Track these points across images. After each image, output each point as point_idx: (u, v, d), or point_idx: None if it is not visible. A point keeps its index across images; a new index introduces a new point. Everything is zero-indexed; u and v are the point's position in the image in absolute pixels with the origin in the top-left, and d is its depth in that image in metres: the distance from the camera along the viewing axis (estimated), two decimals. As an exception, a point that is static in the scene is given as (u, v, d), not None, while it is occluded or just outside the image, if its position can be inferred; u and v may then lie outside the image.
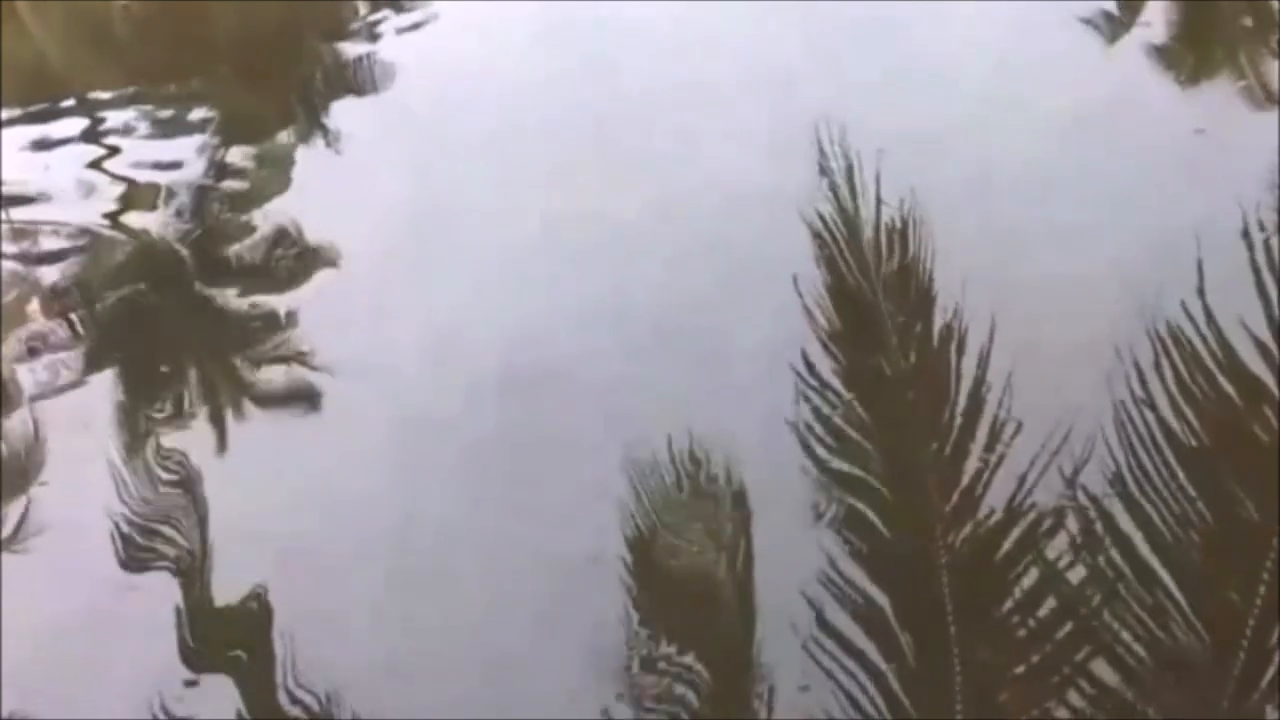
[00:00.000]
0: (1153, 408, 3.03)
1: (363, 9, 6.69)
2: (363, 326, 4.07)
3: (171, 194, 5.05)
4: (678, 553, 3.05)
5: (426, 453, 3.44)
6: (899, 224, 3.70)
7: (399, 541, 3.21)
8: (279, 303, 4.33)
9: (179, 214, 4.96)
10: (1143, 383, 3.07)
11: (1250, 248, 3.28)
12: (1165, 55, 4.20)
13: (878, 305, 3.54)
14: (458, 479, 3.35)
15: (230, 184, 5.25)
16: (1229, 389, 3.05)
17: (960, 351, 3.29)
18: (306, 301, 4.31)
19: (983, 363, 3.24)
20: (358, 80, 5.86)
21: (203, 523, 3.35)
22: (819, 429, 3.22)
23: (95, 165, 5.36)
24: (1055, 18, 4.44)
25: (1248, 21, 4.34)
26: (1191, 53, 4.22)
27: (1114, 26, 4.45)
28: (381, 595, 3.08)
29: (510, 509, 3.29)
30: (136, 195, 5.14)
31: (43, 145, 5.42)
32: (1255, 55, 4.07)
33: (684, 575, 3.01)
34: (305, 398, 3.80)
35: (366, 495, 3.33)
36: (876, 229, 3.71)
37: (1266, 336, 3.10)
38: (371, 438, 3.52)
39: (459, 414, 3.54)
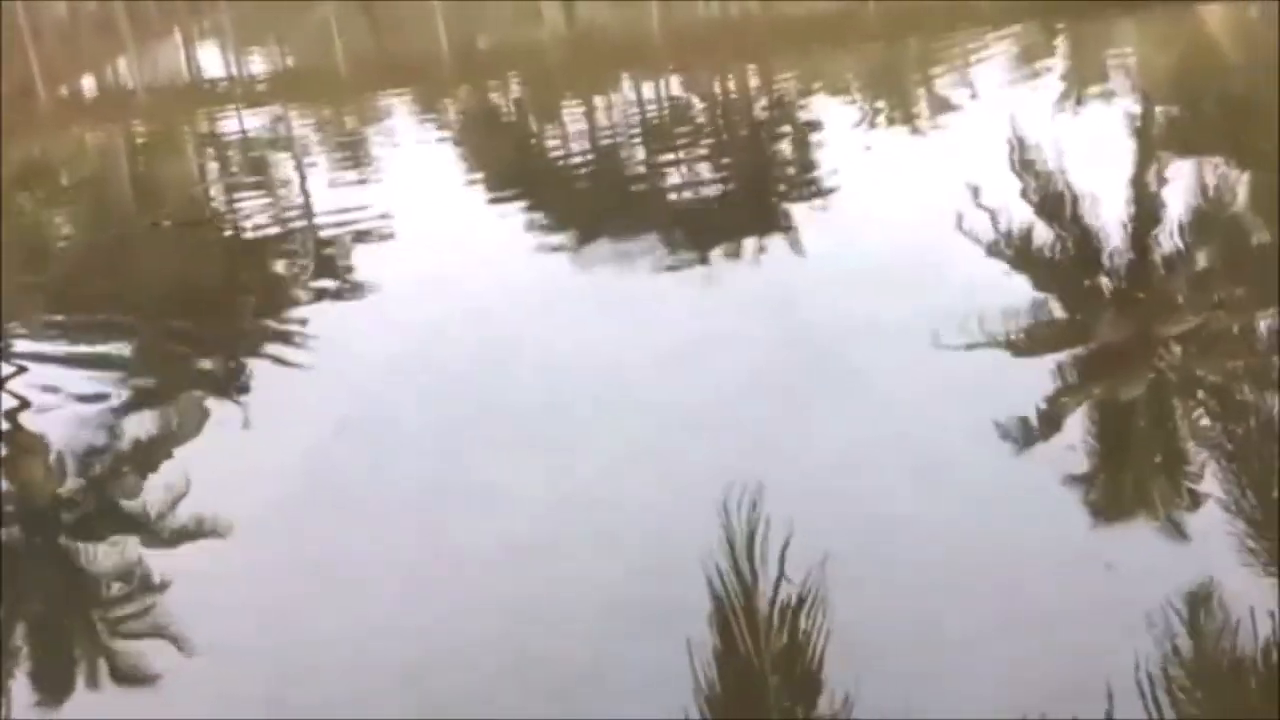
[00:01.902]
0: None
1: (304, 295, 6.84)
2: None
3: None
4: None
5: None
6: (794, 601, 3.64)
7: None
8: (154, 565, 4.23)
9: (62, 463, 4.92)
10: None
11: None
12: (1083, 481, 4.27)
13: (765, 680, 3.45)
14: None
15: (130, 438, 5.20)
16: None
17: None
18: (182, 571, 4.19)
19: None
20: (279, 352, 5.89)
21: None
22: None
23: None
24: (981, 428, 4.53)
25: (1158, 459, 4.45)
26: (1108, 483, 4.30)
27: (1030, 437, 4.54)
28: None
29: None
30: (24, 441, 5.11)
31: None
32: (1167, 496, 4.17)
33: None
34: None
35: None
36: (772, 602, 3.65)
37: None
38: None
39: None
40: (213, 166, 12.57)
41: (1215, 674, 3.35)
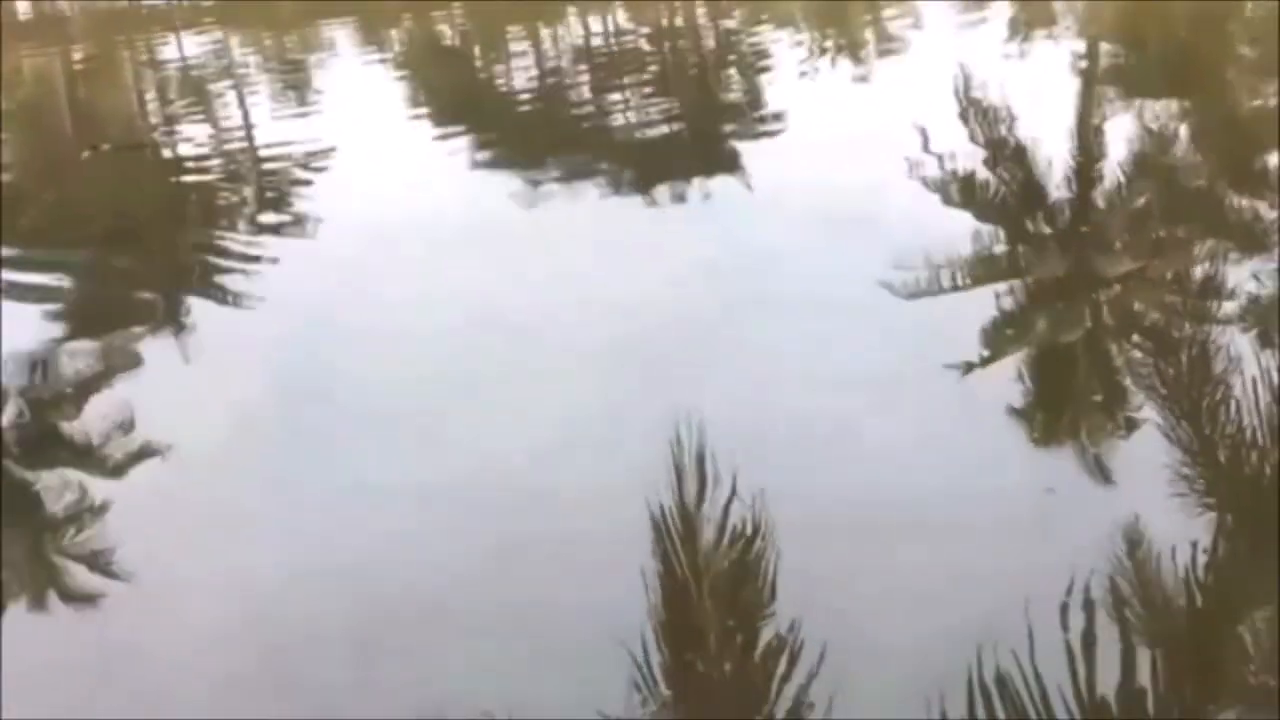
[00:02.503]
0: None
1: (244, 228, 6.79)
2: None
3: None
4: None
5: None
6: (743, 529, 3.68)
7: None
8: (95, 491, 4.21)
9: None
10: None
11: (1065, 626, 3.32)
12: (1022, 415, 4.34)
13: (704, 607, 3.49)
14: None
15: (72, 362, 5.16)
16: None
17: (789, 666, 3.24)
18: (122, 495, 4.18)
19: (807, 684, 3.19)
20: (223, 288, 5.85)
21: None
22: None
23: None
24: (925, 364, 4.58)
25: (1097, 398, 4.53)
26: (1043, 415, 4.38)
27: (972, 368, 4.60)
28: None
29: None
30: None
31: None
32: (1096, 431, 4.25)
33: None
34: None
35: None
36: (721, 529, 3.69)
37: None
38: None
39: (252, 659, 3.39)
40: (152, 93, 12.39)
41: (1147, 592, 3.45)
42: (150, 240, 6.79)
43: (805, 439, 4.18)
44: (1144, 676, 3.20)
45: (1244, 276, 5.06)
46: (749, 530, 3.68)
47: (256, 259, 6.12)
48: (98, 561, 3.86)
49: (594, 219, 5.98)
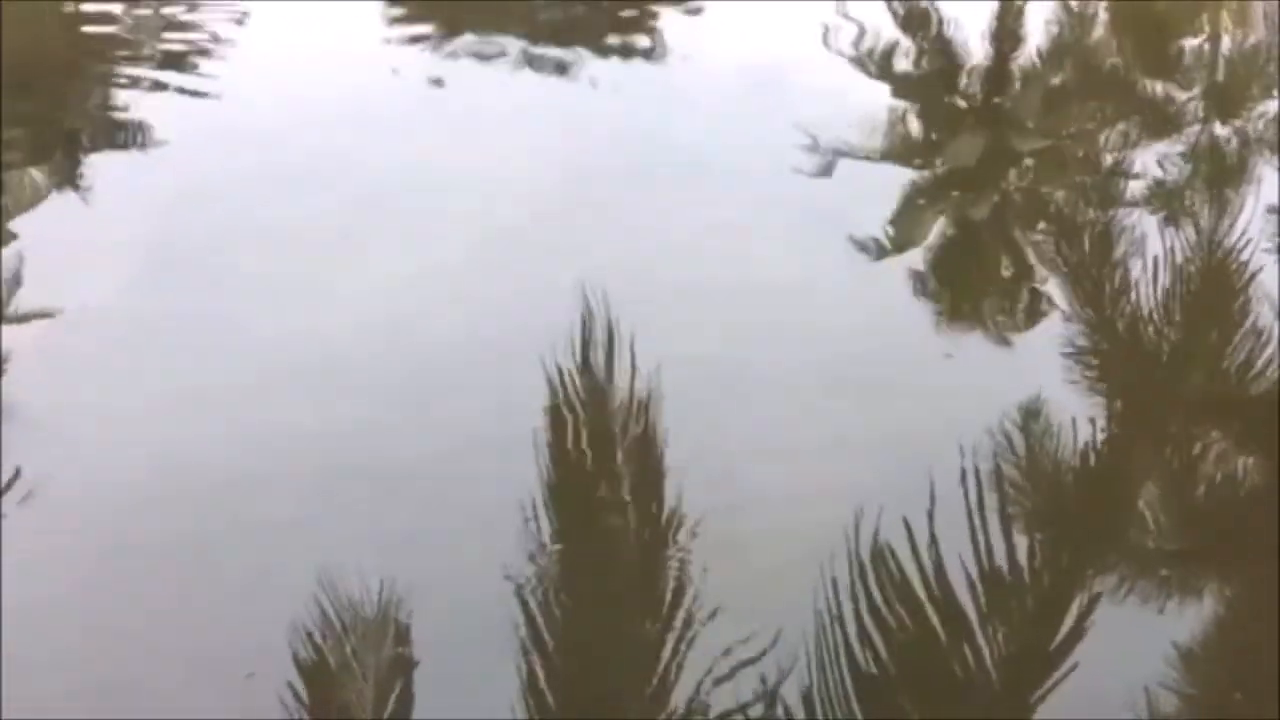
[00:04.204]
0: (844, 628, 3.03)
1: (145, 82, 6.57)
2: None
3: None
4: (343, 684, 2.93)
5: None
6: (642, 398, 3.68)
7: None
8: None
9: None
10: (837, 602, 3.08)
11: (965, 489, 3.37)
12: (925, 288, 4.37)
13: (602, 472, 3.50)
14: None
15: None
16: (926, 619, 3.07)
17: (678, 538, 3.26)
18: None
19: (698, 555, 3.21)
20: (123, 133, 5.69)
21: None
22: (536, 588, 3.14)
23: None
24: (831, 236, 4.57)
25: (1007, 271, 4.56)
26: (948, 289, 4.41)
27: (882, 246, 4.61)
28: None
29: (181, 615, 3.11)
30: None
31: None
32: (1000, 309, 4.30)
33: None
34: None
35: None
36: (618, 397, 3.68)
37: (974, 573, 3.16)
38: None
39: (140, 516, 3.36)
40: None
41: (1040, 465, 3.52)
42: (47, 92, 6.56)
43: (706, 308, 4.18)
44: (1033, 547, 3.27)
45: (1151, 159, 5.10)
46: (648, 398, 3.68)
47: (155, 116, 5.95)
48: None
49: (503, 89, 5.87)
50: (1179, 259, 4.41)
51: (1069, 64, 6.23)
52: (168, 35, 7.59)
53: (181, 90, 6.52)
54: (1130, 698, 2.89)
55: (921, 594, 3.10)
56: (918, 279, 4.38)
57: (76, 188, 5.35)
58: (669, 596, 3.13)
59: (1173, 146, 5.22)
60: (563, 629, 3.08)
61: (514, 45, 6.79)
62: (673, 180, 4.96)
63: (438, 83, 6.08)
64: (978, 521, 3.28)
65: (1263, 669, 3.00)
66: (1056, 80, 6.05)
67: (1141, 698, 2.90)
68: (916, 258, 4.51)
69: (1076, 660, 2.99)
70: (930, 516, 3.25)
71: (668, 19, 7.17)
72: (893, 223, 4.73)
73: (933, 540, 3.19)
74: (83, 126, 6.04)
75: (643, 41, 6.71)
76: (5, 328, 4.30)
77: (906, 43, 6.30)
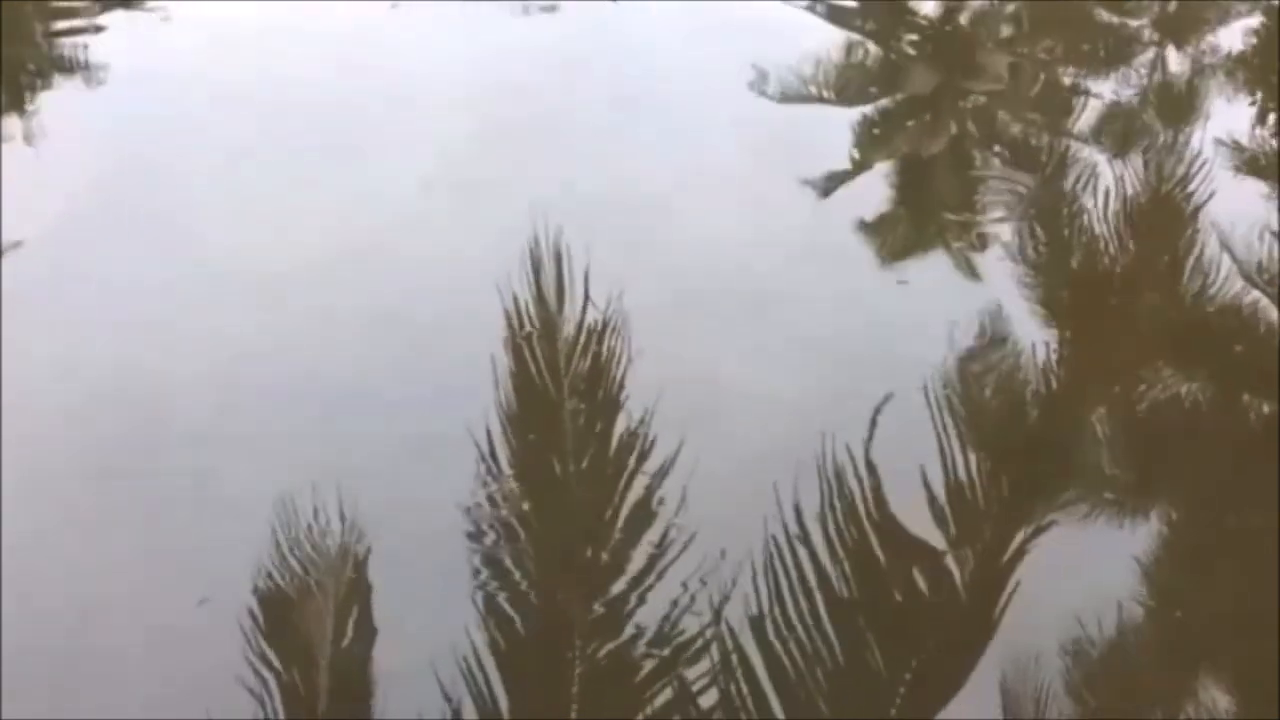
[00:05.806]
0: (807, 545, 3.05)
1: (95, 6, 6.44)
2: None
3: None
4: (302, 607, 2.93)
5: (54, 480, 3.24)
6: (599, 325, 3.67)
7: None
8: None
9: None
10: (800, 522, 3.09)
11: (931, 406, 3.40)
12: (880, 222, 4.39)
13: (561, 401, 3.49)
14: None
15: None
16: (884, 543, 3.10)
17: (639, 460, 3.27)
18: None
19: (661, 474, 3.22)
20: (68, 72, 5.59)
21: None
22: (491, 512, 3.15)
23: None
24: (788, 173, 4.57)
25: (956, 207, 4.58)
26: (902, 221, 4.43)
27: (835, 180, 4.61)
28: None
29: (134, 540, 3.11)
30: None
31: None
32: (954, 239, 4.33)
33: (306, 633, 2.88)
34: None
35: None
36: (579, 326, 3.67)
37: (940, 495, 3.18)
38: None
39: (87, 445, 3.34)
40: None
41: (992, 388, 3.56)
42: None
43: (663, 235, 4.17)
44: (983, 468, 3.30)
45: (1106, 90, 5.13)
46: (602, 325, 3.67)
47: (100, 37, 5.83)
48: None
49: (459, 17, 5.80)
50: (1129, 190, 4.44)
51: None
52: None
53: (129, 4, 6.40)
54: (1078, 614, 2.93)
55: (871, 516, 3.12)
56: (870, 207, 4.40)
57: (22, 114, 5.26)
58: (624, 518, 3.14)
59: (1125, 79, 5.25)
60: (518, 552, 3.08)
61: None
62: (625, 107, 4.93)
63: (388, 13, 6.01)
64: (931, 444, 3.31)
65: (1212, 589, 3.07)
66: (1010, 8, 6.05)
67: (1091, 614, 2.94)
68: (868, 185, 4.53)
69: (1019, 580, 3.02)
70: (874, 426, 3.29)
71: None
72: (849, 156, 4.73)
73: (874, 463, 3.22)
74: (26, 53, 5.93)
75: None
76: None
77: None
